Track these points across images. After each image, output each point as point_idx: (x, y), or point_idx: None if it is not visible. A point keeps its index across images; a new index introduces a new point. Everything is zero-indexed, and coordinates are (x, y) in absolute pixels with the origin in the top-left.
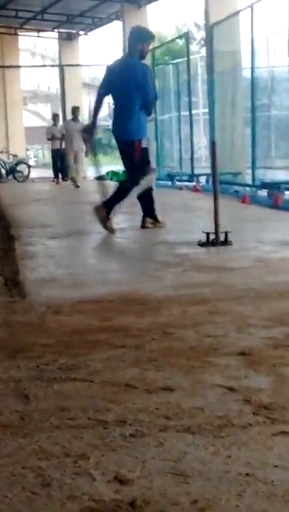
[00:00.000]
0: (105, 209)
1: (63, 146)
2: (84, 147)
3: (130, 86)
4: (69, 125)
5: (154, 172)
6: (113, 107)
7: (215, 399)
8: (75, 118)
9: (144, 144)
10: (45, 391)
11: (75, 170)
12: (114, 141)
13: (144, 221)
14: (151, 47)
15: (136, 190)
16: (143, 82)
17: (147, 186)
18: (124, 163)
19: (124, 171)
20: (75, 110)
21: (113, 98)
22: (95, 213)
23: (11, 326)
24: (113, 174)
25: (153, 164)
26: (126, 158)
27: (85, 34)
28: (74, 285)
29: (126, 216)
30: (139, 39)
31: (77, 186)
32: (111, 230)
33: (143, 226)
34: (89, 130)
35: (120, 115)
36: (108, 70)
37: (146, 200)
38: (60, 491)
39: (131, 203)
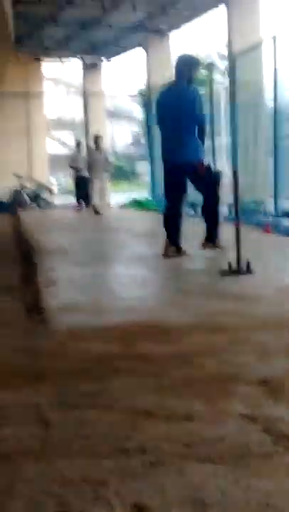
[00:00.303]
0: (210, 242)
1: (86, 174)
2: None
3: (182, 112)
4: (92, 154)
5: None
6: (161, 132)
7: (235, 428)
8: (97, 147)
9: (206, 164)
10: (66, 417)
11: (97, 197)
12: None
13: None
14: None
15: (219, 204)
16: (198, 105)
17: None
18: (177, 186)
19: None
20: (98, 139)
21: (164, 127)
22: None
23: (32, 351)
24: (136, 203)
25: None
26: (183, 181)
27: (108, 60)
28: (96, 312)
29: (147, 244)
30: (187, 65)
31: (99, 213)
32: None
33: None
34: None
35: (176, 141)
36: (158, 100)
37: (173, 226)
38: None
39: (150, 232)
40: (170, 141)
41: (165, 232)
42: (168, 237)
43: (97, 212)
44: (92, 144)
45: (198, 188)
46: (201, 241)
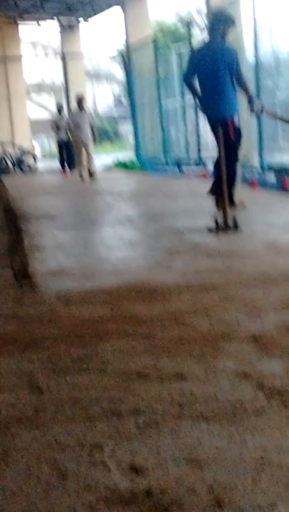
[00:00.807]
0: (230, 200)
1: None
2: (95, 137)
3: (220, 67)
4: (75, 115)
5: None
6: (200, 89)
7: (228, 385)
8: (81, 108)
9: (236, 123)
10: (58, 383)
11: (82, 163)
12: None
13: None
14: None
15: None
16: (235, 61)
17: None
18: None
19: (131, 160)
20: (81, 100)
21: (200, 81)
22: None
23: (22, 318)
24: (120, 164)
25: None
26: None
27: (85, 21)
28: (83, 276)
29: (133, 205)
30: (221, 22)
31: (92, 176)
32: (243, 206)
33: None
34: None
35: (212, 96)
36: (194, 55)
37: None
38: (75, 482)
39: (136, 193)
40: (208, 98)
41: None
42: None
43: (91, 175)
44: (74, 106)
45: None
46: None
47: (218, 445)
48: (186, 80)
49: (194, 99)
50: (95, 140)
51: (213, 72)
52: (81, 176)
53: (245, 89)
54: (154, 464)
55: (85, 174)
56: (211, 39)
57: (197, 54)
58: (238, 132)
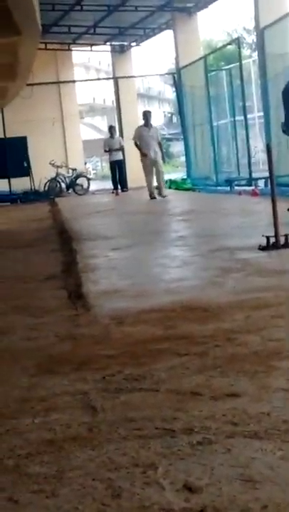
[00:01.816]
0: None
1: (121, 157)
2: (163, 155)
3: None
4: (142, 131)
5: None
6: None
7: (281, 403)
8: (147, 123)
9: None
10: (112, 402)
11: (151, 181)
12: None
13: None
14: (202, 54)
15: None
16: None
17: None
18: None
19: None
20: (147, 115)
21: None
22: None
23: (76, 338)
24: (171, 182)
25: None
26: None
27: (137, 45)
28: (137, 295)
29: (185, 224)
30: None
31: (164, 196)
32: None
33: None
34: None
35: None
36: None
37: None
38: (130, 501)
39: (188, 212)
40: None
41: None
42: None
43: (162, 196)
44: (141, 122)
45: None
46: None
47: (272, 463)
48: (286, 91)
49: (286, 111)
50: (163, 157)
51: None
52: (151, 195)
53: None
54: (207, 483)
55: (156, 193)
56: None
57: None
58: None
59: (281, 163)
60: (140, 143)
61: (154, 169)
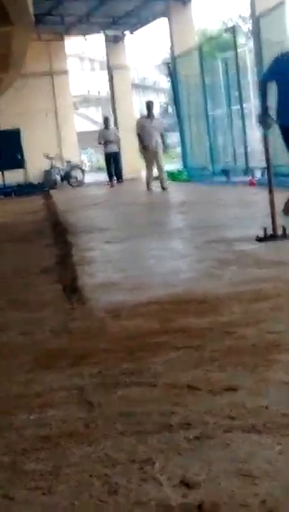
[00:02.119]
0: None
1: (116, 149)
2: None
3: None
4: (144, 123)
5: None
6: (279, 94)
7: (279, 397)
8: (149, 114)
9: None
10: (109, 397)
11: (151, 173)
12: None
13: None
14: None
15: None
16: None
17: None
18: None
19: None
20: (150, 105)
21: (284, 87)
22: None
23: (72, 332)
24: (168, 174)
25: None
26: None
27: (131, 33)
28: (133, 288)
29: (182, 215)
30: None
31: (164, 188)
32: None
33: None
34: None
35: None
36: (278, 61)
37: None
38: (127, 497)
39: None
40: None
41: None
42: None
43: (163, 188)
44: (143, 112)
45: None
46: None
47: (271, 458)
48: (264, 81)
49: (262, 102)
50: (165, 148)
51: None
52: (149, 186)
53: None
54: (205, 478)
55: (154, 185)
56: None
57: (283, 58)
58: None
59: (278, 153)
60: (142, 134)
61: (155, 161)
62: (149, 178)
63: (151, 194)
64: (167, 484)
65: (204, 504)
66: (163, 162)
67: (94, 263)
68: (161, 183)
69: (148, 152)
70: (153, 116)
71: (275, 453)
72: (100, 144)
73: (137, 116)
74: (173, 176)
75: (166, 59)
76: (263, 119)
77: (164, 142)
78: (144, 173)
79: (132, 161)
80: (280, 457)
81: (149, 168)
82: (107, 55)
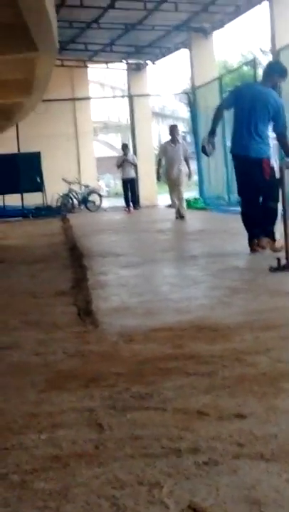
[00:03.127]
0: (267, 238)
1: (134, 175)
2: (189, 171)
3: (262, 108)
4: (167, 148)
5: None
6: (234, 123)
7: (288, 425)
8: (173, 139)
9: (271, 163)
10: (119, 420)
11: (175, 199)
12: None
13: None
14: (218, 74)
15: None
16: (276, 109)
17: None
18: (246, 182)
19: (195, 198)
20: (173, 129)
21: (238, 115)
22: (262, 249)
23: (84, 355)
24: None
25: None
26: (251, 175)
27: (153, 63)
28: (146, 313)
29: (196, 243)
30: (276, 72)
31: (182, 217)
32: (280, 249)
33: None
34: (211, 141)
35: (247, 134)
36: (236, 90)
37: (253, 222)
38: None
39: (199, 231)
40: (242, 136)
41: (246, 230)
42: (249, 233)
43: (181, 216)
44: (168, 137)
45: (245, 181)
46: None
47: (278, 486)
48: (219, 108)
49: (211, 127)
50: (189, 175)
51: (252, 112)
52: (177, 214)
53: (284, 146)
54: (212, 504)
55: (183, 211)
56: (262, 82)
57: (239, 91)
58: (274, 173)
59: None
60: (164, 160)
61: (176, 188)
62: (175, 205)
63: (167, 222)
64: (174, 508)
65: None
66: (184, 189)
67: (108, 287)
68: (179, 211)
69: (169, 179)
70: (177, 141)
71: (282, 481)
72: (117, 167)
73: (156, 144)
74: (189, 204)
75: (186, 89)
76: (203, 145)
77: (189, 168)
78: (160, 201)
79: (149, 189)
80: (287, 485)
81: (172, 194)
82: (128, 82)
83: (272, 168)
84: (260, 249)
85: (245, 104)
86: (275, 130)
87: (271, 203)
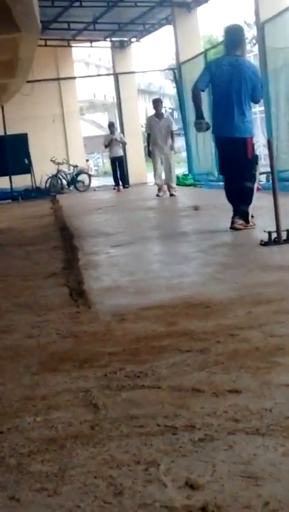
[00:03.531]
0: (242, 219)
1: (121, 153)
2: (173, 145)
3: (240, 83)
4: (152, 122)
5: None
6: (214, 104)
7: (283, 399)
8: (158, 113)
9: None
10: (114, 399)
11: (160, 175)
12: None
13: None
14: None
15: (255, 186)
16: (254, 81)
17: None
18: (229, 161)
19: (184, 175)
20: (157, 103)
21: (216, 95)
22: (236, 229)
23: (77, 336)
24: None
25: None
26: (235, 155)
27: (138, 41)
28: (138, 292)
29: (187, 220)
30: (238, 35)
31: (172, 194)
32: (253, 226)
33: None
34: (204, 124)
35: (230, 113)
36: (209, 68)
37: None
38: (132, 499)
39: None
40: (224, 116)
41: (231, 205)
42: (233, 209)
43: (170, 193)
44: (151, 111)
45: (227, 161)
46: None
47: (274, 460)
48: (196, 91)
49: (197, 111)
50: (172, 148)
51: (232, 89)
52: (159, 191)
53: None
54: (209, 480)
55: (164, 189)
56: (232, 53)
57: (215, 67)
58: (254, 151)
59: (282, 158)
60: (151, 134)
61: (163, 161)
62: (158, 182)
63: (157, 198)
64: (172, 486)
65: (208, 506)
66: (172, 163)
67: (100, 267)
68: (168, 187)
69: (156, 151)
70: (162, 114)
71: (278, 455)
72: (105, 146)
73: (143, 121)
74: (179, 180)
75: (171, 65)
76: (196, 122)
77: (173, 141)
78: (149, 179)
79: (138, 167)
80: (283, 459)
81: (156, 170)
82: (113, 61)
83: (253, 146)
84: (234, 230)
85: (222, 82)
86: (252, 99)
87: (248, 182)
